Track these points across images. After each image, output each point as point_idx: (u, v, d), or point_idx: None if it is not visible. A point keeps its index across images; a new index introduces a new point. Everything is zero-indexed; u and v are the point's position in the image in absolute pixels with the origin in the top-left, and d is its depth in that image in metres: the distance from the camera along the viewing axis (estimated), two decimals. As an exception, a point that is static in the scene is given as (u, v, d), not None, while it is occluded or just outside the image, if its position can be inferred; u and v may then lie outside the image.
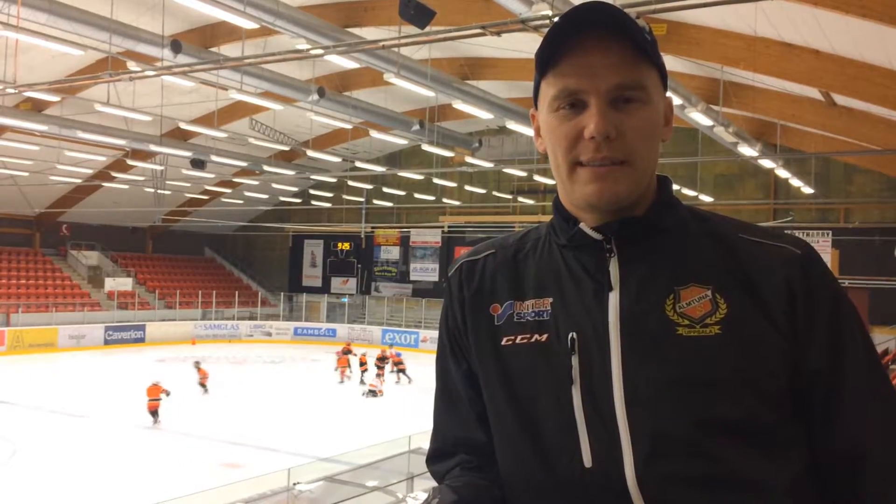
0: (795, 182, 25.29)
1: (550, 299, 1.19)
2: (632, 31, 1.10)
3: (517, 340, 1.19)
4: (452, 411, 1.31)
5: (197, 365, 22.56)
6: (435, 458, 1.33)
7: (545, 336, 1.17)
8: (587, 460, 1.10)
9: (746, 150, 20.34)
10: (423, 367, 30.02)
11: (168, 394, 18.29)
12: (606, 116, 1.09)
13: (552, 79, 1.14)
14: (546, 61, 1.14)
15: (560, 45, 1.12)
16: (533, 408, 1.15)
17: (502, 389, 1.19)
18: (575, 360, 1.13)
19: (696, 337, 1.08)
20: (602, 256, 1.16)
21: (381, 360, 24.85)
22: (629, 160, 1.11)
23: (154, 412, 17.99)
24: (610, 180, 1.11)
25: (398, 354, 26.51)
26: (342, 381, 25.23)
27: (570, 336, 1.14)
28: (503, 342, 1.20)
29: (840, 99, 17.18)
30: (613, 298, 1.13)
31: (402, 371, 25.65)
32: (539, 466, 1.14)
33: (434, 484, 1.27)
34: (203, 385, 22.12)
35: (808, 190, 26.03)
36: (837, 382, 1.11)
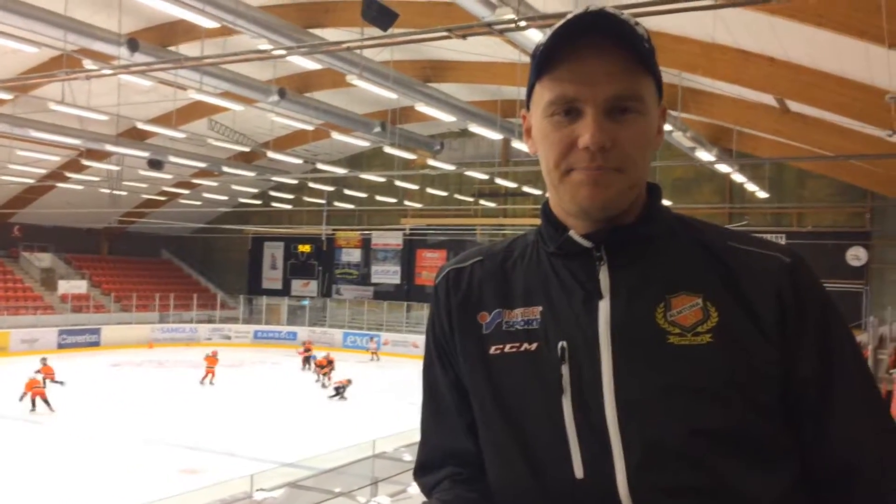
0: (750, 186, 25.80)
1: (540, 308, 1.17)
2: (633, 40, 1.09)
3: (506, 349, 1.17)
4: (440, 422, 1.28)
5: (43, 361, 21.89)
6: (422, 470, 1.30)
7: (534, 345, 1.15)
8: (578, 471, 1.08)
9: (703, 155, 20.68)
10: (383, 370, 29.96)
11: (60, 383, 20.50)
12: (602, 127, 1.08)
13: (549, 83, 1.12)
14: (543, 64, 1.12)
15: (559, 49, 1.10)
16: (522, 418, 1.14)
17: (491, 399, 1.18)
18: (565, 370, 1.11)
19: (687, 345, 1.08)
20: (592, 264, 1.15)
21: (329, 362, 25.71)
22: (623, 169, 1.10)
23: (45, 400, 19.63)
24: (603, 185, 1.10)
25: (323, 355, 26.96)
26: (211, 383, 24.86)
27: (560, 345, 1.12)
28: (491, 351, 1.18)
29: (794, 106, 17.56)
30: (604, 307, 1.12)
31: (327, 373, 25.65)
32: (529, 478, 1.13)
33: (423, 497, 1.25)
34: (54, 381, 21.16)
35: (762, 194, 26.58)
36: (827, 392, 1.11)
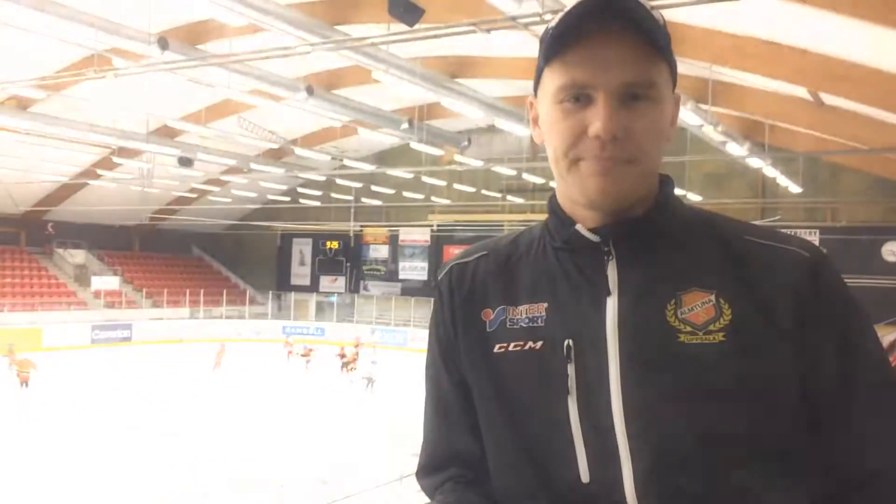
0: (783, 181, 25.39)
1: (545, 304, 1.12)
2: (649, 25, 1.03)
3: (510, 348, 1.13)
4: (443, 422, 1.24)
5: (10, 347, 22.88)
6: (425, 471, 1.26)
7: (539, 343, 1.10)
8: (584, 475, 1.04)
9: (734, 149, 20.40)
10: (413, 366, 30.00)
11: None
12: (615, 116, 1.03)
13: (558, 68, 1.06)
14: (553, 48, 1.06)
15: (571, 33, 1.04)
16: (527, 419, 1.10)
17: (495, 400, 1.14)
18: (571, 369, 1.07)
19: (698, 344, 1.03)
20: (599, 259, 1.10)
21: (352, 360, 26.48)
22: (635, 159, 1.05)
23: (26, 383, 20.97)
24: (613, 175, 1.05)
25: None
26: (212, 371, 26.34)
27: (565, 343, 1.08)
28: (495, 350, 1.14)
29: (828, 98, 17.23)
30: (611, 304, 1.07)
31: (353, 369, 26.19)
32: (534, 480, 1.09)
33: (425, 499, 1.22)
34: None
35: (795, 189, 26.14)
36: (847, 393, 1.05)
